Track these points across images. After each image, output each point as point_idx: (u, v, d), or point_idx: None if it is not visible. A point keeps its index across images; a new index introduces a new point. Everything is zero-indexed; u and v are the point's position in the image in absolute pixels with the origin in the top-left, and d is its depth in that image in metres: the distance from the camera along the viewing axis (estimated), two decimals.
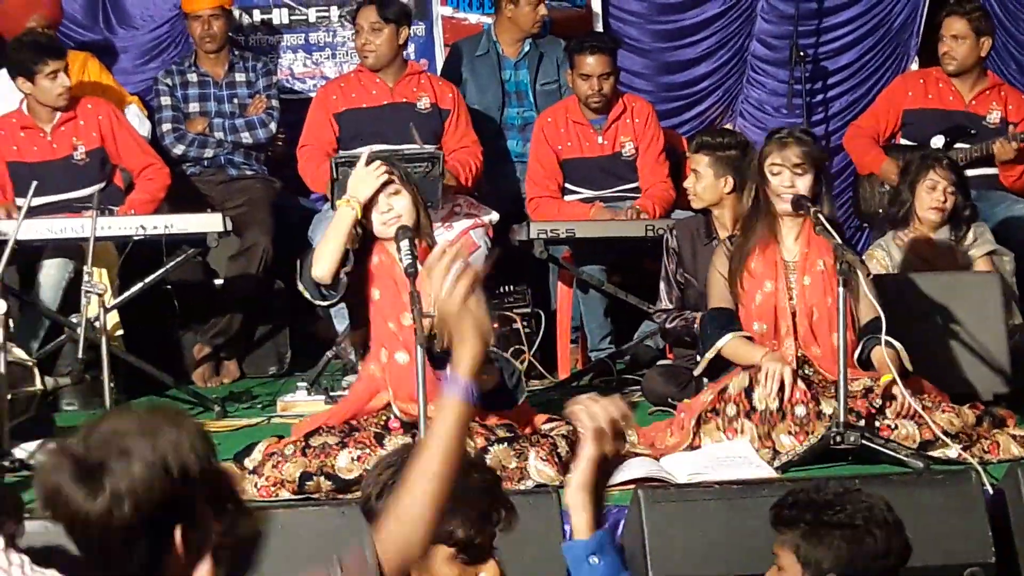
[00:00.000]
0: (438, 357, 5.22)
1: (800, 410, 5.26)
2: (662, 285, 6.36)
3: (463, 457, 2.63)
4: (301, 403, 6.37)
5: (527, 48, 7.77)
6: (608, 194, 7.34)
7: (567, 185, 7.37)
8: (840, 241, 5.23)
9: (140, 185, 7.07)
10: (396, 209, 5.20)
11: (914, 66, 8.28)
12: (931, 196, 6.45)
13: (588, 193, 7.34)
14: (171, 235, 6.64)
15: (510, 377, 5.28)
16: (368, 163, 5.27)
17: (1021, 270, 6.69)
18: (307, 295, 5.29)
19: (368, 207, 5.22)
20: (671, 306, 6.31)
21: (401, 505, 2.60)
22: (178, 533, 2.22)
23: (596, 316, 7.23)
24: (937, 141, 7.31)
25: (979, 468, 4.87)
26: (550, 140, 7.35)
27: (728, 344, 5.49)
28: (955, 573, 4.30)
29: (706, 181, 6.29)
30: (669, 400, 6.05)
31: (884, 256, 6.51)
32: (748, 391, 5.33)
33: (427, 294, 5.20)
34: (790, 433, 5.25)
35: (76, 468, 2.20)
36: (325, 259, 5.17)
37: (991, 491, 4.64)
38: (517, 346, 7.11)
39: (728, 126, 8.29)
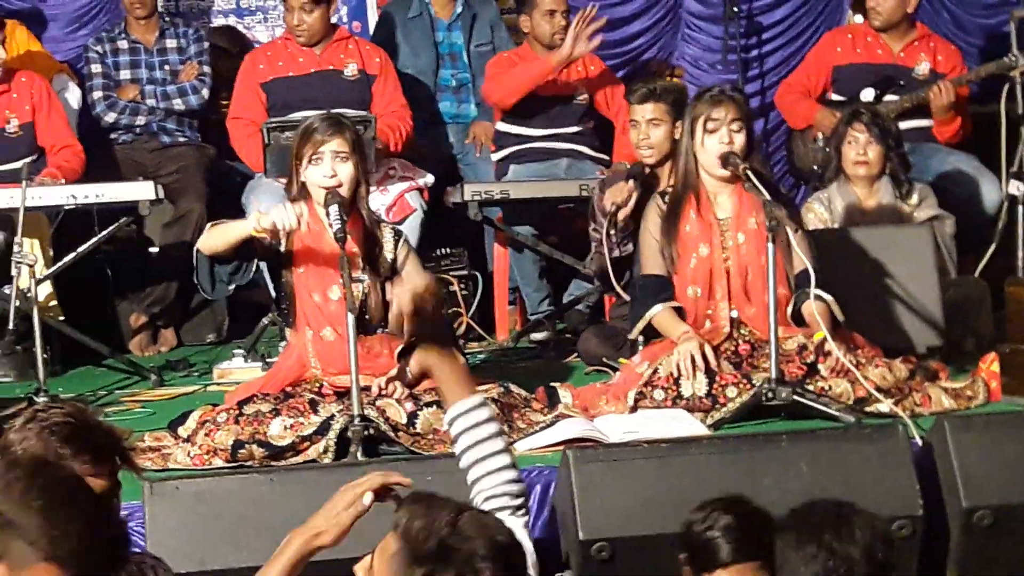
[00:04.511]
0: (368, 324, 5.21)
1: (732, 391, 5.20)
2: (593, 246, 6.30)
3: None
4: (238, 370, 6.33)
5: (460, 9, 7.72)
6: (553, 132, 7.32)
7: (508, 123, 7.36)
8: (768, 197, 5.18)
9: (54, 160, 6.95)
10: (339, 176, 5.15)
11: (858, 19, 8.26)
12: (852, 150, 6.47)
13: (530, 131, 7.31)
14: (102, 204, 6.62)
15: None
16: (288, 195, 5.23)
17: (958, 224, 6.70)
18: (197, 276, 5.24)
19: (304, 166, 5.17)
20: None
21: None
22: None
23: (531, 279, 7.21)
24: (867, 94, 7.30)
25: (908, 421, 4.86)
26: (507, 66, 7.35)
27: (657, 315, 5.47)
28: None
29: (663, 129, 6.03)
30: (604, 360, 6.04)
31: (823, 210, 6.50)
32: (677, 378, 5.25)
33: (357, 260, 5.18)
34: None
35: None
36: (211, 247, 5.12)
37: (920, 444, 4.65)
38: (455, 309, 7.10)
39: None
